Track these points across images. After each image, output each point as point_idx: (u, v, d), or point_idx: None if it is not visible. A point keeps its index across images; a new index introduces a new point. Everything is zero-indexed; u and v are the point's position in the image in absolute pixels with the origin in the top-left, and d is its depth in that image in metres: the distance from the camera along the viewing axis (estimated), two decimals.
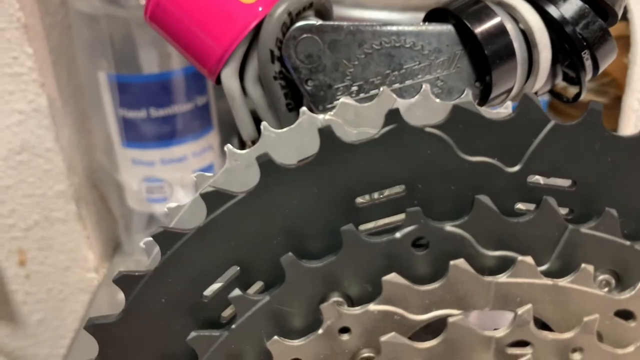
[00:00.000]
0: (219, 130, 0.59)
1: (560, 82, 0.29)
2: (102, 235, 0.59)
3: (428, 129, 0.21)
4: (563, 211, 0.23)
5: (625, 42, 0.52)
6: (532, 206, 0.23)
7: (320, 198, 0.22)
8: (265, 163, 0.22)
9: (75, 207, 0.54)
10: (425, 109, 0.24)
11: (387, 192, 0.22)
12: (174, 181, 0.56)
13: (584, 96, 0.29)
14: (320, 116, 0.25)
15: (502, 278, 0.22)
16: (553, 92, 0.31)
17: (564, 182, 0.23)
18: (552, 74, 0.28)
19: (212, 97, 0.56)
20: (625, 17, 0.52)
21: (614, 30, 0.53)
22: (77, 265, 0.57)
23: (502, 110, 0.25)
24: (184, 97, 0.54)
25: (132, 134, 0.54)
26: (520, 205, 0.23)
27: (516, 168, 0.22)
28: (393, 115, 0.21)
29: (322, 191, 0.22)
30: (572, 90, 0.29)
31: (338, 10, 0.53)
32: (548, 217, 0.22)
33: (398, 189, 0.22)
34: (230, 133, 0.58)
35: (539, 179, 0.23)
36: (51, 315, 0.58)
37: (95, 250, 0.57)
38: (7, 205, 0.52)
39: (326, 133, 0.21)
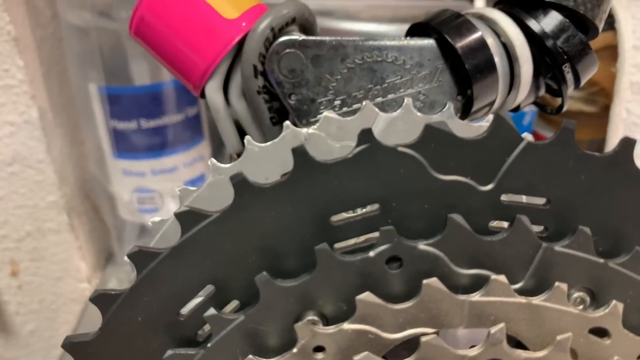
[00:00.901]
0: (210, 141, 0.59)
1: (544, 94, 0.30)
2: (94, 246, 0.59)
3: (401, 149, 0.21)
4: (537, 229, 0.23)
5: (613, 52, 0.53)
6: (506, 224, 0.23)
7: (294, 217, 0.22)
8: (239, 182, 0.22)
9: (67, 218, 0.54)
10: (407, 122, 0.24)
11: (360, 211, 0.23)
12: (165, 192, 0.56)
13: (567, 107, 0.29)
14: (304, 130, 0.25)
15: (476, 297, 0.21)
16: (537, 104, 0.31)
17: (539, 200, 0.23)
18: (535, 86, 0.28)
19: (202, 108, 0.57)
20: (612, 27, 0.53)
21: (602, 40, 0.53)
22: (70, 276, 0.57)
23: (484, 123, 0.25)
24: (174, 108, 0.54)
25: (123, 145, 0.54)
26: (495, 224, 0.23)
27: (489, 187, 0.22)
28: (366, 135, 0.21)
29: (296, 210, 0.22)
30: (558, 101, 0.29)
31: (327, 22, 0.54)
32: (521, 235, 0.22)
33: (372, 207, 0.22)
34: (221, 143, 0.58)
35: (514, 198, 0.23)
36: (43, 326, 0.58)
37: (87, 261, 0.57)
38: None
39: (299, 152, 0.21)
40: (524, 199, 0.23)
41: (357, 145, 0.21)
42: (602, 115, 0.56)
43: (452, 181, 0.22)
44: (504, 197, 0.22)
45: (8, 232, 0.53)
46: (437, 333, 0.22)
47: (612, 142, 0.54)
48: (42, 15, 0.51)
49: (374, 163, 0.22)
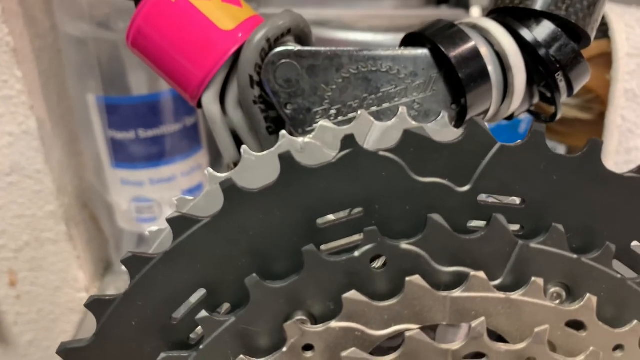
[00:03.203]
0: (208, 150, 0.59)
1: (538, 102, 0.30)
2: (92, 255, 0.59)
3: (381, 153, 0.22)
4: (514, 228, 0.24)
5: (607, 59, 0.53)
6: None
7: (282, 220, 0.23)
8: (229, 188, 0.22)
9: (66, 228, 0.54)
10: (402, 131, 0.25)
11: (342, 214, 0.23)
12: (163, 201, 0.56)
13: (560, 115, 0.29)
14: (300, 139, 0.25)
15: (457, 293, 0.22)
16: (531, 112, 0.31)
17: (515, 200, 0.24)
18: (529, 94, 0.29)
19: (200, 118, 0.57)
20: (606, 35, 0.53)
21: (596, 47, 0.54)
22: (68, 286, 0.57)
23: None
24: (172, 118, 0.55)
25: (121, 155, 0.55)
26: (474, 223, 0.23)
27: (466, 188, 0.23)
28: (348, 140, 0.22)
29: (284, 213, 0.23)
30: (553, 109, 0.29)
31: (324, 32, 0.54)
32: (498, 233, 0.23)
33: (357, 209, 0.23)
34: (219, 153, 0.58)
35: (491, 198, 0.23)
36: (42, 336, 0.59)
37: (85, 270, 0.58)
38: None
39: (286, 158, 0.22)
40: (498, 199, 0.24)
41: (340, 150, 0.22)
42: (598, 122, 0.56)
43: (431, 183, 0.22)
44: (481, 198, 0.23)
45: (6, 242, 0.54)
46: (422, 329, 0.22)
47: (607, 149, 0.55)
48: (40, 27, 0.51)
49: (357, 167, 0.22)
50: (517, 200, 0.23)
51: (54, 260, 0.56)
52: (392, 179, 0.22)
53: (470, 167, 0.23)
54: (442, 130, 0.25)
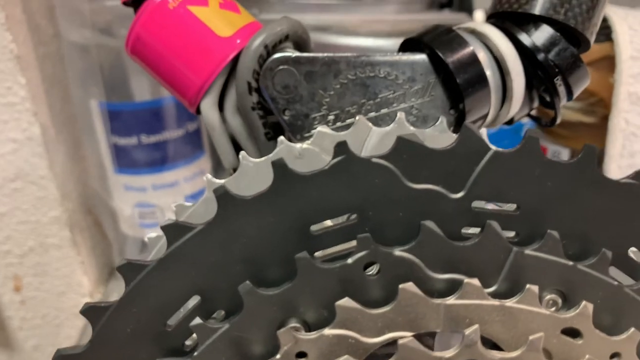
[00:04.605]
0: (211, 155, 0.59)
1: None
2: (96, 261, 0.60)
3: (375, 160, 0.22)
4: (509, 234, 0.23)
5: (611, 62, 0.53)
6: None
7: (276, 227, 0.23)
8: (222, 195, 0.22)
9: (70, 233, 0.55)
10: None
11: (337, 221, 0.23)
12: (166, 206, 0.57)
13: (560, 119, 0.29)
14: (298, 145, 0.25)
15: (451, 300, 0.22)
16: (531, 116, 0.31)
17: (510, 207, 0.23)
18: (529, 98, 0.28)
19: (202, 123, 0.57)
20: (609, 38, 0.53)
21: (599, 51, 0.54)
22: (72, 291, 0.58)
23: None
24: (174, 124, 0.55)
25: (124, 161, 0.55)
26: (471, 230, 0.23)
27: (460, 194, 0.23)
28: (341, 147, 0.22)
29: (278, 220, 0.23)
30: (552, 113, 0.29)
31: (324, 38, 0.54)
32: (492, 240, 0.22)
33: (350, 216, 0.23)
34: None
35: (490, 204, 0.23)
36: (46, 341, 0.59)
37: (90, 276, 0.58)
38: (2, 232, 0.53)
39: (279, 165, 0.22)
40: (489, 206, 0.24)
41: (334, 157, 0.22)
42: (601, 125, 0.56)
43: (424, 189, 0.22)
44: (474, 204, 0.23)
45: (11, 247, 0.54)
46: (421, 334, 0.22)
47: (611, 152, 0.54)
48: (43, 34, 0.52)
49: (350, 174, 0.22)
50: (512, 207, 0.23)
51: (58, 265, 0.56)
52: (386, 186, 0.22)
53: (464, 173, 0.22)
54: (441, 135, 0.25)
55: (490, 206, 0.23)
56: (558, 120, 0.29)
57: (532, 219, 0.23)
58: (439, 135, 0.25)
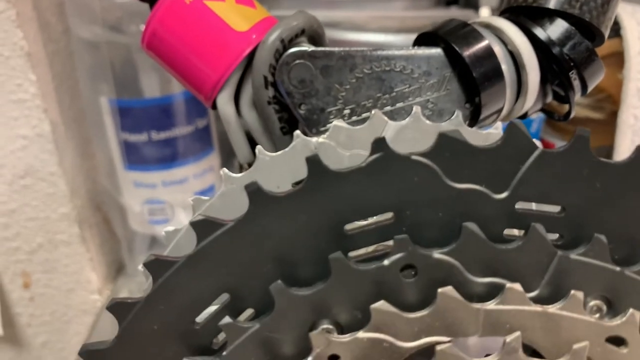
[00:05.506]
0: (220, 152, 0.59)
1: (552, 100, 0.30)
2: (105, 257, 0.59)
3: (414, 157, 0.21)
4: (553, 237, 0.23)
5: (619, 59, 0.53)
6: (521, 232, 0.23)
7: (309, 225, 0.22)
8: (254, 192, 0.22)
9: (79, 230, 0.54)
10: (416, 130, 0.25)
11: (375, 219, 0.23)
12: (176, 203, 0.56)
13: (574, 114, 0.29)
14: (314, 139, 0.25)
15: (491, 305, 0.21)
16: (545, 111, 0.31)
17: (554, 208, 0.23)
18: (543, 93, 0.28)
19: (212, 119, 0.57)
20: (618, 34, 0.53)
21: (608, 47, 0.54)
22: (81, 287, 0.57)
23: (492, 130, 0.25)
24: (184, 120, 0.55)
25: (134, 157, 0.55)
26: (515, 232, 0.23)
27: (504, 195, 0.22)
28: (379, 144, 0.21)
29: (310, 219, 0.22)
30: (566, 108, 0.29)
31: (335, 34, 0.54)
32: (536, 243, 0.22)
33: (387, 216, 0.22)
34: (231, 154, 0.58)
35: (528, 205, 0.23)
36: (55, 338, 0.59)
37: (98, 272, 0.58)
38: (12, 228, 0.53)
39: (313, 161, 0.22)
40: (533, 206, 0.23)
41: (371, 154, 0.22)
42: (610, 122, 0.56)
43: (466, 189, 0.22)
44: (518, 205, 0.22)
45: (20, 244, 0.54)
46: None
47: (620, 149, 0.54)
48: (53, 31, 0.51)
49: (388, 172, 0.22)
50: (556, 209, 0.23)
51: (67, 262, 0.56)
52: (425, 185, 0.21)
53: (509, 172, 0.22)
54: (482, 133, 0.25)
55: (534, 207, 0.23)
56: (572, 115, 0.29)
57: (578, 222, 0.22)
58: (479, 133, 0.24)
